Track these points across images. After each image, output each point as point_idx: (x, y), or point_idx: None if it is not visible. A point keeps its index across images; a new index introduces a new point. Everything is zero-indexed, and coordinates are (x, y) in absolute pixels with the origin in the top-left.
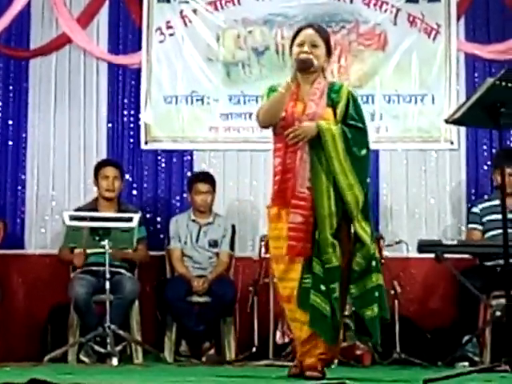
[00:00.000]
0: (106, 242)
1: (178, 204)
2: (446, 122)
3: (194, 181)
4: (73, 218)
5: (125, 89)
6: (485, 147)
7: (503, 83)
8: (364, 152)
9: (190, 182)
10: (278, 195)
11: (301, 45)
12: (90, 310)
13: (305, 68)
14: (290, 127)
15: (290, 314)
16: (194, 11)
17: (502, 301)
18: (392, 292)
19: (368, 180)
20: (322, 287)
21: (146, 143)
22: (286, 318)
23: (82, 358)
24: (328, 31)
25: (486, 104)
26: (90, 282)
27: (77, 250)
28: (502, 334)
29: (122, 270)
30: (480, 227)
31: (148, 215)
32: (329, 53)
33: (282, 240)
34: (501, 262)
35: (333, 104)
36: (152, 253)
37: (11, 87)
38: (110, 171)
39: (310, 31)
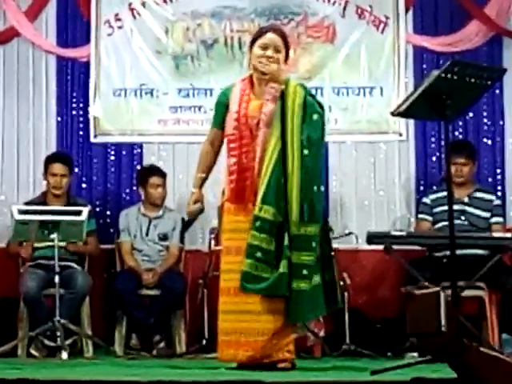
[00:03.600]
0: (55, 236)
1: (128, 197)
2: (392, 114)
3: (146, 174)
4: (21, 212)
5: (74, 82)
6: (433, 139)
7: (448, 75)
8: (316, 117)
9: (142, 175)
10: (235, 193)
11: (264, 48)
12: (40, 303)
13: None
14: (244, 127)
15: (240, 306)
16: (143, 4)
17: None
18: (341, 283)
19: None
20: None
21: (96, 136)
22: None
23: (32, 352)
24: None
25: (431, 96)
26: (40, 275)
27: (25, 243)
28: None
29: (73, 264)
30: (429, 218)
31: (98, 208)
32: (286, 57)
33: (240, 232)
34: (448, 252)
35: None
36: (102, 246)
37: None
38: (58, 168)
39: (274, 36)
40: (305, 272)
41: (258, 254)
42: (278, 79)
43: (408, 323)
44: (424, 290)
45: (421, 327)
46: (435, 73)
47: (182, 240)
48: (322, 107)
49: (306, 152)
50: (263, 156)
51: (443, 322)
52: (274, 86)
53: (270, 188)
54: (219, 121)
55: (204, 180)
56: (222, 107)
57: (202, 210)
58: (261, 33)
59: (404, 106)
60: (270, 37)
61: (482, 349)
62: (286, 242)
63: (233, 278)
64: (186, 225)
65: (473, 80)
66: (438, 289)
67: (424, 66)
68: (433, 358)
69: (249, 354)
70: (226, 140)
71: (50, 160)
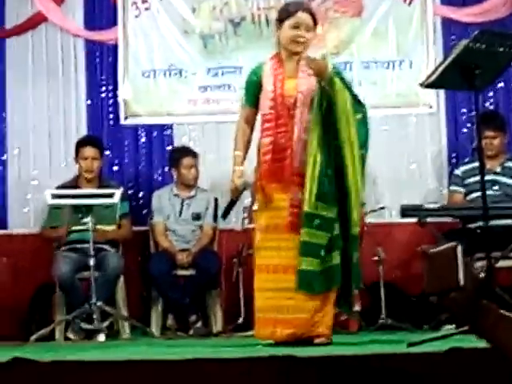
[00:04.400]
0: (88, 219)
1: (160, 178)
2: (422, 85)
3: (179, 155)
4: (54, 197)
5: (102, 65)
6: (464, 110)
7: (477, 45)
8: (359, 116)
9: (175, 156)
10: (270, 173)
11: (296, 27)
12: (75, 287)
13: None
14: (281, 106)
15: (278, 283)
16: None
17: (485, 262)
18: (376, 258)
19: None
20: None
21: (126, 119)
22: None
23: (70, 335)
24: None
25: (460, 66)
26: (74, 259)
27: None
28: (487, 296)
29: (106, 246)
30: (462, 189)
31: (130, 191)
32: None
33: (282, 210)
34: (482, 223)
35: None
36: (135, 228)
37: None
38: (89, 152)
39: (305, 15)
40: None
41: (322, 253)
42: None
43: (426, 282)
44: (440, 246)
45: (439, 285)
46: (463, 42)
47: (215, 219)
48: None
49: (363, 152)
50: (302, 137)
51: (461, 276)
52: (304, 63)
53: (324, 186)
54: (252, 99)
55: (243, 158)
56: (254, 85)
57: (246, 186)
58: (290, 12)
59: (433, 77)
60: (301, 16)
61: (502, 311)
62: (337, 231)
63: (269, 255)
64: (230, 204)
65: (501, 49)
66: (454, 243)
67: (452, 38)
68: (453, 317)
69: (288, 332)
70: (259, 119)
71: (81, 144)
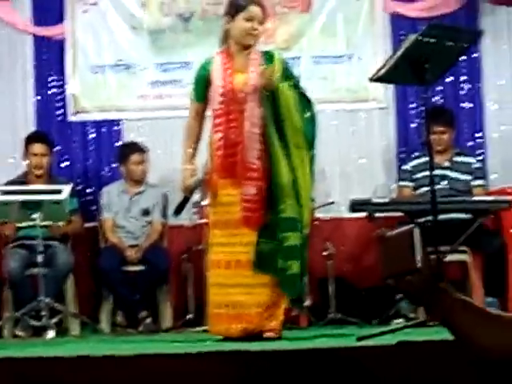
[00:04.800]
0: (37, 215)
1: (109, 174)
2: (371, 80)
3: (127, 152)
4: (3, 193)
5: (50, 60)
6: (413, 105)
7: (426, 39)
8: (308, 114)
9: (123, 153)
10: (222, 168)
11: (249, 20)
12: (24, 284)
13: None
14: (231, 101)
15: (232, 279)
16: None
17: (433, 257)
18: (326, 253)
19: (315, 142)
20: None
21: (74, 114)
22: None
23: (18, 332)
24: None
25: (409, 60)
26: (23, 255)
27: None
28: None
29: (55, 243)
30: (410, 184)
31: (79, 187)
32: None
33: (233, 206)
34: (431, 218)
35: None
36: (85, 224)
37: None
38: (38, 148)
39: (257, 8)
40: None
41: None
42: (255, 50)
43: (382, 265)
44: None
45: (396, 267)
46: (413, 36)
47: (164, 215)
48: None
49: (311, 153)
50: (253, 132)
51: (418, 257)
52: (255, 57)
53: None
54: (201, 94)
55: (193, 154)
56: (203, 80)
57: (199, 183)
58: (242, 5)
59: (382, 71)
60: (254, 9)
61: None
62: (300, 241)
63: (221, 250)
64: (183, 202)
65: (450, 43)
66: (411, 226)
67: (401, 32)
68: (410, 300)
69: (242, 327)
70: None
71: (29, 140)
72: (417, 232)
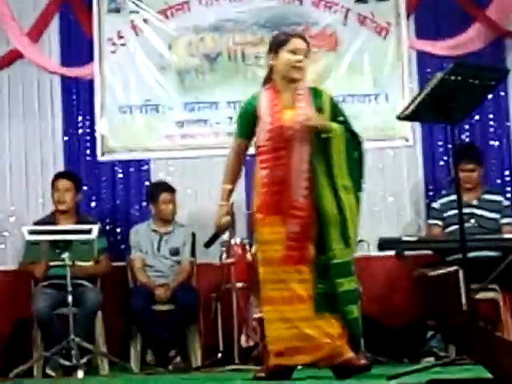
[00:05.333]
0: (66, 255)
1: (137, 214)
2: (398, 118)
3: (157, 191)
4: (32, 232)
5: (79, 101)
6: (440, 143)
7: (452, 77)
8: (356, 155)
9: (152, 192)
10: (269, 205)
11: (294, 53)
12: (53, 323)
13: None
14: (279, 138)
15: (298, 313)
16: (145, 21)
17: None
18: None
19: (362, 181)
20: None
21: (103, 154)
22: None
23: (48, 372)
24: None
25: (436, 99)
26: (52, 295)
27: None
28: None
29: (84, 282)
30: (440, 222)
31: (108, 226)
32: None
33: (276, 244)
34: (460, 256)
35: (318, 111)
36: (113, 263)
37: None
38: (61, 183)
39: (301, 41)
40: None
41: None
42: (302, 86)
43: (424, 305)
44: (439, 269)
45: (440, 308)
46: (439, 75)
47: (193, 254)
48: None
49: (359, 194)
50: (300, 169)
51: (464, 300)
52: (302, 93)
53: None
54: (245, 131)
55: (231, 191)
56: (249, 117)
57: (232, 223)
58: (286, 38)
59: (409, 110)
60: (298, 41)
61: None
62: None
63: (276, 287)
64: (213, 237)
65: (477, 81)
66: (455, 268)
67: (428, 71)
68: (449, 340)
69: (310, 358)
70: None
71: (55, 177)
72: (461, 274)
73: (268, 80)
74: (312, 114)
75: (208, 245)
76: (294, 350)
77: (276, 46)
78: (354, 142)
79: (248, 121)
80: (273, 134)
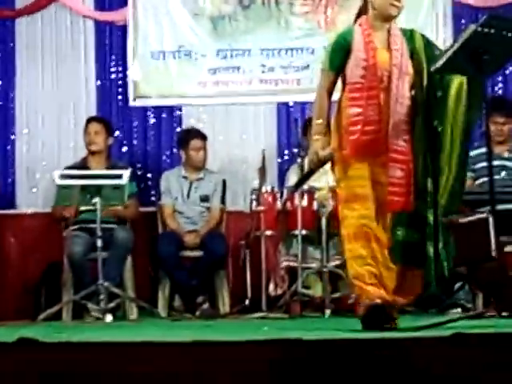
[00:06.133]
0: (97, 200)
1: (168, 160)
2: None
3: (188, 137)
4: (63, 177)
5: (112, 46)
6: None
7: (485, 29)
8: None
9: (183, 138)
10: (360, 146)
11: None
12: (85, 267)
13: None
14: (373, 77)
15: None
16: None
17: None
18: None
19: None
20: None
21: (135, 100)
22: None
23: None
24: None
25: (468, 51)
26: (84, 239)
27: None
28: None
29: (114, 225)
30: (471, 174)
31: (138, 171)
32: None
33: (367, 180)
34: (489, 208)
35: (411, 53)
36: (143, 209)
37: None
38: (92, 126)
39: None
40: None
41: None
42: (395, 26)
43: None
44: (470, 216)
45: (470, 255)
46: (472, 27)
47: (222, 201)
48: None
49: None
50: (398, 112)
51: (493, 246)
52: (397, 34)
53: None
54: (337, 64)
55: (325, 125)
56: (342, 50)
57: (331, 156)
58: None
59: (441, 62)
60: None
61: None
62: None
63: (362, 222)
64: (308, 175)
65: (510, 34)
66: (485, 215)
67: (463, 21)
68: (480, 288)
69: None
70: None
71: (87, 121)
72: (491, 221)
73: (360, 14)
74: None
75: (299, 184)
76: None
77: None
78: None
79: (341, 54)
80: (366, 72)
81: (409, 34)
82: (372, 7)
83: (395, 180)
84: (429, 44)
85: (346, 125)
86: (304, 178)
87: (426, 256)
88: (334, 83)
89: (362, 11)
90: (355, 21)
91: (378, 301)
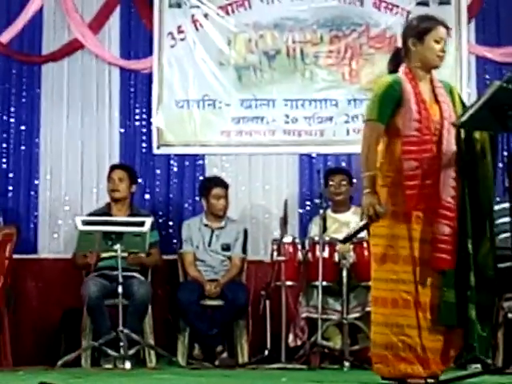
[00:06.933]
0: (118, 246)
1: (190, 208)
2: (454, 125)
3: (209, 186)
4: (85, 223)
5: (137, 93)
6: None
7: (510, 86)
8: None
9: (205, 186)
10: (419, 199)
11: (437, 42)
12: (102, 312)
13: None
14: (426, 130)
15: (411, 320)
16: (205, 16)
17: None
18: None
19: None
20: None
21: (159, 148)
22: (378, 322)
23: (103, 364)
24: None
25: (493, 107)
26: (103, 285)
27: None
28: None
29: (135, 274)
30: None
31: (160, 219)
32: None
33: (413, 241)
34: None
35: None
36: (164, 257)
37: (24, 93)
38: (116, 173)
39: (445, 30)
40: None
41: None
42: (436, 78)
43: None
44: None
45: None
46: (497, 83)
47: (244, 250)
48: None
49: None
50: (448, 167)
51: None
52: (440, 86)
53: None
54: (388, 116)
55: (375, 179)
56: (394, 101)
57: (386, 212)
58: (432, 26)
59: (466, 117)
60: (443, 30)
61: None
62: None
63: (401, 288)
64: (361, 229)
65: None
66: None
67: (487, 77)
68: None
69: (421, 372)
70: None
71: (111, 169)
72: None
73: (397, 65)
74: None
75: (350, 238)
76: (398, 358)
77: (422, 32)
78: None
79: (391, 106)
80: (420, 125)
81: (448, 88)
82: (416, 57)
83: (443, 237)
84: (462, 100)
85: (402, 178)
86: (357, 232)
87: (468, 318)
88: (382, 135)
89: (397, 60)
90: (394, 68)
91: (418, 381)
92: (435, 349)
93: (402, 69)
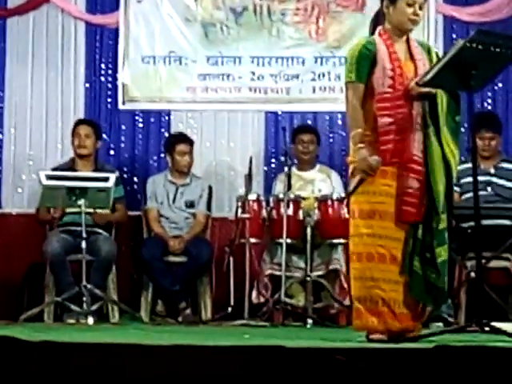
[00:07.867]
0: (82, 202)
1: (155, 164)
2: (417, 84)
3: (174, 142)
4: (49, 178)
5: (102, 49)
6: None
7: (474, 45)
8: (458, 118)
9: (170, 142)
10: (393, 155)
11: (411, 5)
12: (65, 268)
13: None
14: (400, 86)
15: (387, 274)
16: None
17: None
18: None
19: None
20: (427, 254)
21: (124, 103)
22: (361, 277)
23: (66, 319)
24: None
25: (457, 66)
26: (66, 240)
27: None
28: (477, 295)
29: (99, 230)
30: (457, 189)
31: (125, 175)
32: None
33: (389, 197)
34: (474, 223)
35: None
36: (129, 213)
37: None
38: (82, 129)
39: None
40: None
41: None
42: (413, 38)
43: None
44: None
45: None
46: (460, 42)
47: (208, 207)
48: None
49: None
50: (419, 123)
51: None
52: (416, 46)
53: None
54: (365, 75)
55: (364, 136)
56: (368, 61)
57: (378, 164)
58: None
59: (429, 76)
60: None
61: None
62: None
63: (378, 242)
64: (360, 183)
65: (498, 50)
66: None
67: (454, 36)
68: None
69: (398, 326)
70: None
71: (76, 124)
72: None
73: (375, 24)
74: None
75: (353, 191)
76: (371, 311)
77: None
78: (454, 105)
79: (366, 65)
80: (393, 82)
81: (427, 48)
82: (389, 20)
83: (412, 191)
84: (439, 59)
85: (379, 134)
86: (357, 185)
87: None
88: (362, 94)
89: (378, 21)
90: (372, 31)
91: (379, 336)
92: (409, 303)
93: (378, 30)
